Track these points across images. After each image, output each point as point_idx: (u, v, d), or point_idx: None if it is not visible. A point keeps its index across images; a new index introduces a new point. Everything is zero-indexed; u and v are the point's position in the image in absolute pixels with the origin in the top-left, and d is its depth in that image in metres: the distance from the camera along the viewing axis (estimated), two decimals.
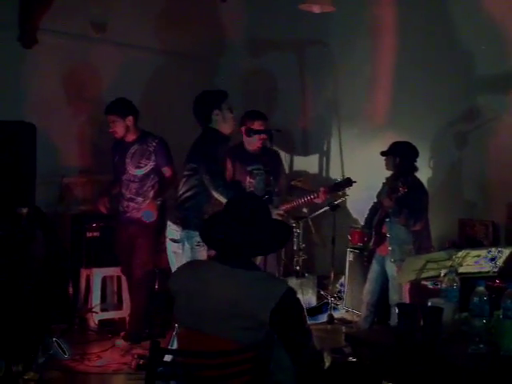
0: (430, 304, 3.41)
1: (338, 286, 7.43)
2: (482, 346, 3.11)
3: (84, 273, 6.61)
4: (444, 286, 3.63)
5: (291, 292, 3.11)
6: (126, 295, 6.66)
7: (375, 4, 7.72)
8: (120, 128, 6.26)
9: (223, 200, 5.20)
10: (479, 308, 3.23)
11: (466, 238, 6.68)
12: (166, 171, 6.32)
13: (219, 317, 3.06)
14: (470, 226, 6.81)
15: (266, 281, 3.17)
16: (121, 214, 6.36)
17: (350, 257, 7.27)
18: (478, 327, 3.19)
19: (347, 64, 7.95)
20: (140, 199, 6.28)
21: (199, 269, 3.38)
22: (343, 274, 7.38)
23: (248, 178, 6.25)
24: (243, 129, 6.25)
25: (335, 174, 8.06)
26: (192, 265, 3.77)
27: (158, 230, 6.14)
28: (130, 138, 6.33)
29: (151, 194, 6.28)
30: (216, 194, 5.20)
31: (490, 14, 6.69)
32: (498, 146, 6.78)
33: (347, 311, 7.26)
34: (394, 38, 7.59)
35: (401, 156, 5.83)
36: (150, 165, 6.28)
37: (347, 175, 7.71)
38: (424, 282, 5.79)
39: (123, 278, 6.66)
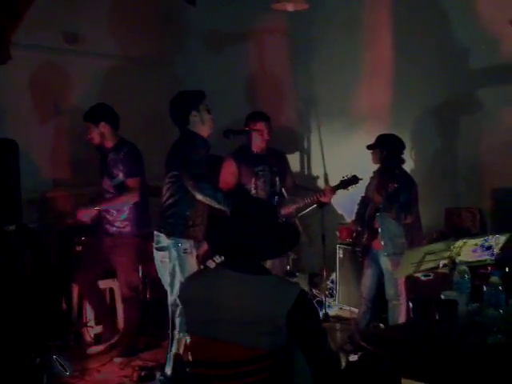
0: (442, 297, 3.39)
1: (329, 283, 7.40)
2: (499, 336, 3.11)
3: (76, 287, 6.50)
4: (455, 277, 3.62)
5: (304, 294, 3.11)
6: (119, 305, 6.59)
7: None
8: (94, 135, 6.13)
9: (214, 204, 5.18)
10: (494, 298, 3.22)
11: (454, 227, 6.69)
12: (128, 182, 6.08)
13: (236, 324, 3.03)
14: (457, 214, 6.82)
15: (279, 285, 3.15)
16: (98, 227, 6.26)
17: (339, 253, 7.25)
18: (495, 317, 3.18)
19: (324, 59, 7.91)
20: (114, 212, 6.14)
21: (210, 277, 3.36)
22: (333, 270, 7.37)
23: (254, 180, 6.15)
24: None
25: (317, 171, 8.08)
26: (202, 274, 3.76)
27: (138, 242, 6.12)
28: (108, 145, 6.19)
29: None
30: (203, 198, 5.15)
31: None
32: (480, 132, 6.82)
33: (341, 308, 7.25)
34: (371, 30, 7.58)
35: (388, 149, 5.80)
36: (121, 175, 6.10)
37: (329, 171, 7.82)
38: (416, 275, 5.81)
39: (116, 291, 6.58)
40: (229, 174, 6.21)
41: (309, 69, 8.10)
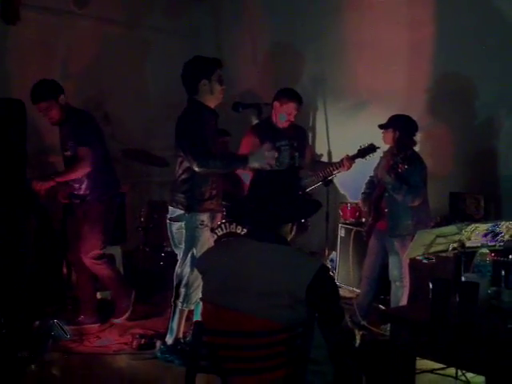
0: (464, 279, 3.38)
1: (328, 262, 7.39)
2: None
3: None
4: (476, 260, 3.61)
5: (325, 268, 3.10)
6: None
7: None
8: (56, 112, 5.78)
9: (219, 170, 5.19)
10: None
11: (457, 212, 6.68)
12: (78, 151, 5.82)
13: (255, 295, 2.99)
14: (462, 199, 6.81)
15: (300, 257, 3.13)
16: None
17: (341, 232, 7.24)
18: None
19: (333, 37, 7.87)
20: (72, 183, 5.98)
21: (230, 246, 3.35)
22: (333, 249, 7.36)
23: (275, 154, 6.09)
24: (274, 104, 6.12)
25: (321, 149, 8.05)
26: (223, 243, 3.75)
27: (101, 208, 5.98)
28: (62, 117, 5.90)
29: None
30: (203, 170, 5.10)
31: None
32: (487, 118, 6.83)
33: (340, 287, 7.23)
34: (378, 11, 7.54)
35: (401, 130, 5.77)
36: (72, 148, 5.87)
37: (333, 149, 7.78)
38: (417, 257, 5.82)
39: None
40: (250, 146, 6.04)
41: (317, 47, 8.05)
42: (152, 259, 7.17)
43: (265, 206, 3.14)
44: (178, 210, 5.23)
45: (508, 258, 4.51)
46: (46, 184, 5.65)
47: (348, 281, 7.12)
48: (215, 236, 6.26)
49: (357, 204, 6.94)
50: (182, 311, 5.26)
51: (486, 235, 4.76)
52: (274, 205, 3.13)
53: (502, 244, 4.84)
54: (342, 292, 7.10)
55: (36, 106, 5.68)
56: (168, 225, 5.38)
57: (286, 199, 3.16)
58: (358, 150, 6.13)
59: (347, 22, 7.76)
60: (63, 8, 7.21)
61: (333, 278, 3.25)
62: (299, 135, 6.36)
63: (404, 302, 5.74)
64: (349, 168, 6.13)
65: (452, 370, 4.84)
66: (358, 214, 7.10)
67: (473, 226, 4.64)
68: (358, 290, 6.54)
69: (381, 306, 6.28)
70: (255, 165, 5.10)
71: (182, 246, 5.26)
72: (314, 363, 3.05)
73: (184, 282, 5.21)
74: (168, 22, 8.17)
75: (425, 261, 6.15)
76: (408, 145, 5.75)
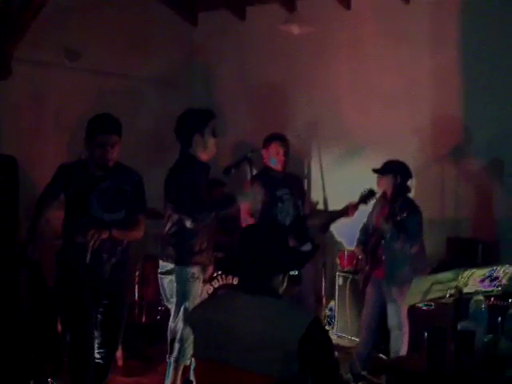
0: (459, 327, 3.31)
1: (327, 311, 7.32)
2: None
3: None
4: (471, 307, 3.54)
5: (318, 321, 3.04)
6: None
7: (349, 22, 7.72)
8: (116, 153, 4.83)
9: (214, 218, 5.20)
10: None
11: (455, 258, 6.63)
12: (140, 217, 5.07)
13: (246, 349, 2.94)
14: (459, 244, 6.77)
15: (292, 310, 3.09)
16: None
17: (339, 281, 7.17)
18: None
19: (325, 84, 7.90)
20: None
21: (221, 300, 3.30)
22: (332, 298, 7.29)
23: (279, 204, 6.08)
24: (262, 152, 6.16)
25: (317, 196, 8.01)
26: (213, 297, 3.68)
27: None
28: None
29: None
30: (197, 225, 5.08)
31: None
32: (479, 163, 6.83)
33: (339, 336, 7.15)
34: (371, 54, 7.58)
35: (401, 175, 5.75)
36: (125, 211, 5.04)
37: (328, 197, 7.76)
38: (418, 305, 5.75)
39: None
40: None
41: (310, 94, 8.06)
42: (148, 313, 7.09)
43: (255, 259, 3.09)
44: (168, 263, 5.18)
45: (507, 302, 4.44)
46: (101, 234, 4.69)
47: (347, 330, 7.04)
48: (212, 288, 6.21)
49: (353, 251, 6.88)
50: (177, 367, 5.17)
51: (483, 280, 4.70)
52: (263, 256, 3.08)
53: (499, 289, 4.79)
54: (340, 341, 7.05)
55: (103, 136, 4.73)
56: (159, 279, 5.32)
57: (275, 252, 3.12)
58: (360, 197, 6.06)
59: (339, 66, 7.78)
60: (55, 61, 7.22)
61: (326, 331, 3.18)
62: (297, 184, 6.40)
63: (404, 350, 5.66)
64: (353, 215, 6.10)
65: None
66: (355, 261, 7.03)
67: (469, 271, 4.58)
68: (357, 339, 6.44)
69: (381, 355, 6.18)
70: (244, 201, 5.26)
71: (174, 299, 5.19)
72: None
73: (178, 336, 5.13)
74: (159, 71, 8.19)
75: (424, 307, 6.07)
76: (404, 191, 5.73)
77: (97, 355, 4.98)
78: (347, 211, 6.07)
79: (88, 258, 4.56)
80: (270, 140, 6.16)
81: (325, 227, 6.30)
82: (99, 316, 4.94)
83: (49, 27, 6.96)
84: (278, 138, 6.18)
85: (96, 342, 4.96)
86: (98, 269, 4.80)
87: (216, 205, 5.24)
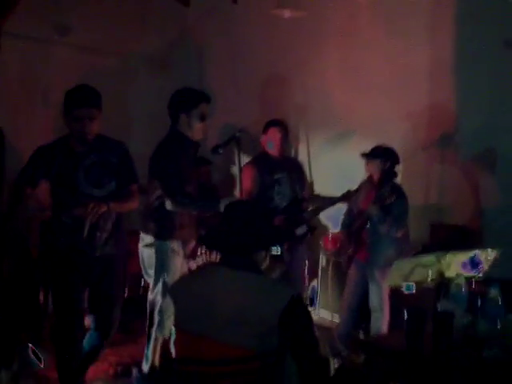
0: (439, 309, 3.36)
1: (309, 291, 7.38)
2: (496, 350, 3.08)
3: None
4: (452, 289, 3.59)
5: (299, 297, 3.08)
6: None
7: (341, 8, 7.71)
8: (96, 126, 4.64)
9: (190, 211, 5.23)
10: (493, 311, 3.20)
11: (438, 243, 6.68)
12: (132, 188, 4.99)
13: (227, 322, 2.98)
14: (442, 230, 6.82)
15: (273, 285, 3.13)
16: None
17: (323, 262, 7.23)
18: (491, 331, 3.15)
19: (316, 67, 7.91)
20: None
21: (204, 274, 3.33)
22: (314, 279, 7.34)
23: (276, 186, 6.19)
24: (262, 138, 6.30)
25: None
26: (196, 271, 3.73)
27: None
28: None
29: None
30: (175, 209, 5.12)
31: None
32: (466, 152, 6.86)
33: (321, 316, 7.21)
34: (362, 39, 7.59)
35: (391, 160, 5.80)
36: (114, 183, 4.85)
37: (315, 181, 7.79)
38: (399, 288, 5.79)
39: None
40: (250, 180, 6.17)
41: (300, 78, 8.07)
42: (131, 287, 7.11)
43: (237, 233, 3.13)
44: (149, 236, 5.21)
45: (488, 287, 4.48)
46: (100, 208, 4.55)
47: (329, 310, 7.09)
48: (195, 265, 6.24)
49: (338, 234, 6.92)
50: (156, 339, 5.21)
51: (465, 265, 4.76)
52: (245, 233, 3.12)
53: (481, 274, 4.85)
54: (322, 321, 7.10)
55: (80, 110, 4.54)
56: (140, 252, 5.37)
57: (257, 227, 3.15)
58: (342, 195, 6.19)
59: (330, 51, 7.79)
60: (45, 36, 7.19)
61: (306, 307, 3.21)
62: (297, 168, 6.53)
63: (384, 330, 5.73)
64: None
65: None
66: (339, 244, 7.07)
67: (451, 255, 4.64)
68: (338, 320, 6.50)
69: (361, 334, 6.24)
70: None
71: (153, 272, 5.23)
72: None
73: (157, 309, 5.19)
74: (151, 49, 8.17)
75: (405, 291, 6.12)
76: (392, 176, 5.79)
77: (88, 338, 4.92)
78: (346, 197, 6.15)
79: (85, 232, 4.53)
80: (268, 125, 6.30)
81: (319, 211, 6.37)
82: (91, 297, 4.88)
83: (39, 2, 6.94)
84: (277, 123, 6.31)
85: (90, 323, 4.93)
86: (87, 246, 4.67)
87: (199, 202, 5.26)
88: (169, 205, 5.08)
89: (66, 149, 4.69)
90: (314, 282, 7.36)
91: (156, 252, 5.20)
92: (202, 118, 5.23)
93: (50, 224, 4.84)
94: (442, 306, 3.45)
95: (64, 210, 4.66)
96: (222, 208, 5.01)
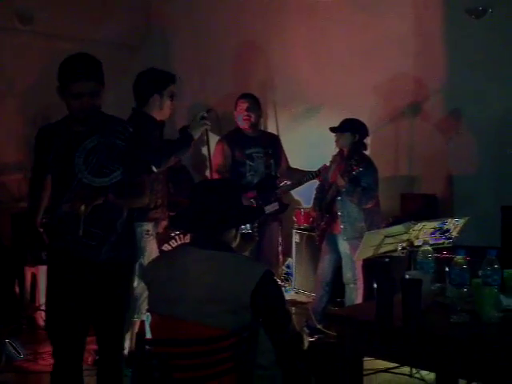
0: (407, 276, 3.41)
1: (284, 267, 7.43)
2: (464, 314, 3.14)
3: (29, 271, 6.40)
4: (419, 257, 3.65)
5: (270, 273, 3.09)
6: None
7: None
8: (99, 103, 3.92)
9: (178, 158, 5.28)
10: (459, 277, 3.25)
11: (409, 213, 6.74)
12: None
13: (199, 302, 3.00)
14: (412, 200, 6.89)
15: (244, 263, 3.15)
16: None
17: (296, 238, 7.28)
18: (458, 297, 3.21)
19: (281, 44, 7.93)
20: None
21: (174, 256, 3.34)
22: (289, 255, 7.39)
23: (248, 162, 6.17)
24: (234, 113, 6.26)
25: None
26: (167, 253, 3.76)
27: None
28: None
29: None
30: (161, 169, 5.09)
31: None
32: (434, 119, 6.93)
33: (297, 292, 7.28)
34: (327, 13, 7.61)
35: (359, 133, 5.84)
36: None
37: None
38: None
39: None
40: (221, 155, 6.18)
41: (266, 55, 8.09)
42: None
43: (206, 212, 3.14)
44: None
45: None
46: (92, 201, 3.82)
47: (304, 286, 7.17)
48: (169, 248, 6.26)
49: (310, 209, 6.97)
50: (133, 323, 5.23)
51: (433, 233, 4.84)
52: (214, 211, 3.14)
53: (450, 241, 4.93)
54: (298, 297, 7.18)
55: (79, 85, 3.79)
56: None
57: (226, 206, 3.17)
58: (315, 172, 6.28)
59: (296, 28, 7.81)
60: (7, 25, 7.14)
61: (277, 283, 3.24)
62: (273, 143, 6.47)
63: (359, 302, 5.79)
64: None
65: (406, 368, 4.90)
66: (311, 219, 7.13)
67: (420, 224, 4.72)
68: (314, 295, 6.56)
69: (336, 308, 6.31)
70: (196, 131, 5.13)
71: None
72: (261, 368, 3.06)
73: (133, 294, 5.19)
74: (115, 34, 8.13)
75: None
76: (360, 148, 5.84)
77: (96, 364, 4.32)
78: (321, 173, 6.20)
79: (81, 231, 3.69)
80: (237, 100, 6.30)
81: (293, 186, 6.42)
82: (96, 315, 4.01)
83: None
84: (243, 96, 6.31)
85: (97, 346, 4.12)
86: (88, 251, 3.87)
87: (174, 147, 5.20)
88: (153, 168, 5.06)
89: (64, 130, 3.94)
90: (289, 259, 7.41)
91: None
92: (172, 97, 5.25)
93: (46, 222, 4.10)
94: (409, 273, 3.50)
95: (60, 204, 3.88)
96: (192, 131, 5.11)
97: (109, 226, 3.90)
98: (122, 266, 4.03)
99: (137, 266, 5.10)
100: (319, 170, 6.20)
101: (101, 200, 3.72)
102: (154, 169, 5.05)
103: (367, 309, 3.43)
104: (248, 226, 5.19)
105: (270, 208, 6.03)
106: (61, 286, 3.91)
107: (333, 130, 5.94)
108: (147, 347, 3.08)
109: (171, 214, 5.46)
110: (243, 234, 3.51)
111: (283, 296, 3.23)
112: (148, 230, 5.18)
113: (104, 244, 3.88)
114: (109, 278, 3.94)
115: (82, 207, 3.64)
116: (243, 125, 6.23)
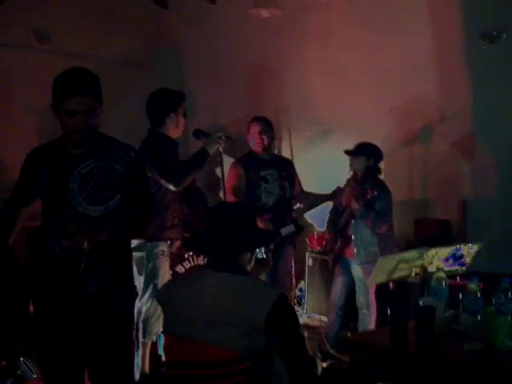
0: (420, 303, 3.41)
1: (297, 291, 7.41)
2: (477, 342, 3.13)
3: None
4: (433, 284, 3.64)
5: (284, 297, 3.10)
6: None
7: (322, 7, 7.75)
8: (97, 122, 3.59)
9: (196, 174, 5.44)
10: (473, 305, 3.25)
11: (422, 238, 6.72)
12: None
13: (215, 324, 3.01)
14: (426, 225, 6.86)
15: (259, 287, 3.16)
16: None
17: (309, 261, 7.26)
18: (472, 324, 3.20)
19: (296, 67, 7.95)
20: None
21: (190, 278, 3.35)
22: (302, 279, 7.37)
23: (262, 184, 6.19)
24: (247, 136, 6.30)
25: None
26: (182, 275, 3.75)
27: None
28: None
29: None
30: (181, 187, 5.18)
31: None
32: (448, 142, 6.92)
33: (309, 316, 7.25)
34: (341, 38, 7.63)
35: (374, 157, 5.85)
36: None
37: (300, 178, 7.83)
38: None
39: None
40: (235, 178, 6.20)
41: (280, 77, 8.11)
42: None
43: (221, 235, 3.15)
44: (140, 239, 5.23)
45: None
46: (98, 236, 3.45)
47: (316, 310, 7.13)
48: (183, 269, 6.26)
49: (323, 233, 6.97)
50: (144, 344, 5.23)
51: (447, 259, 4.81)
52: (230, 234, 3.14)
53: (464, 268, 4.90)
54: (310, 321, 7.14)
55: (73, 100, 3.44)
56: None
57: (242, 229, 3.18)
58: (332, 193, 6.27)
59: (310, 50, 7.84)
60: (25, 43, 7.19)
61: (292, 307, 3.24)
62: (286, 166, 6.50)
63: (372, 328, 5.76)
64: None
65: None
66: (324, 242, 7.12)
67: (434, 250, 4.69)
68: (326, 319, 6.53)
69: (349, 333, 6.28)
70: (211, 148, 5.24)
71: (142, 277, 5.24)
72: None
73: (144, 313, 5.20)
74: (130, 54, 8.19)
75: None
76: (375, 172, 5.84)
77: None
78: (336, 195, 6.20)
79: (82, 267, 3.41)
80: (250, 123, 6.33)
81: (307, 209, 6.42)
82: (89, 361, 3.64)
83: (18, 10, 6.94)
84: (256, 119, 6.34)
85: None
86: (74, 288, 3.53)
87: (191, 165, 5.30)
88: (174, 187, 5.13)
89: (59, 152, 3.62)
90: (302, 282, 7.39)
91: (148, 254, 5.19)
92: (185, 115, 5.40)
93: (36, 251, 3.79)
94: (423, 300, 3.49)
95: (51, 234, 3.57)
96: (208, 148, 5.23)
97: (96, 257, 3.48)
98: (114, 302, 3.60)
99: (151, 287, 5.14)
100: (333, 193, 6.20)
101: (106, 235, 3.39)
102: (173, 188, 5.10)
103: (381, 335, 3.43)
104: (263, 249, 5.21)
105: (286, 230, 6.02)
106: (50, 325, 3.59)
107: (347, 153, 5.96)
108: (161, 369, 3.08)
109: (185, 234, 5.48)
110: (258, 258, 3.51)
111: (297, 320, 3.24)
112: (163, 251, 5.21)
113: (92, 276, 3.52)
114: (98, 315, 3.53)
115: (85, 244, 3.28)
116: (256, 147, 6.25)
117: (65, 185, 3.54)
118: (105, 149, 3.63)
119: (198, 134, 5.55)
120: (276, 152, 8.05)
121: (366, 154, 5.86)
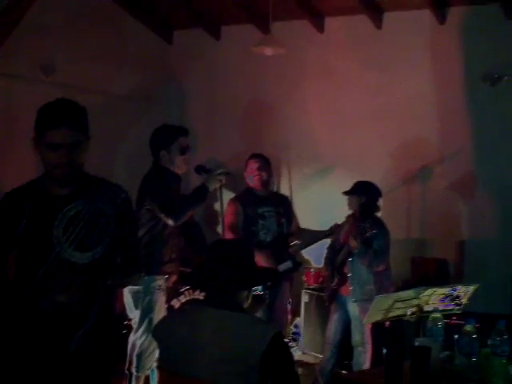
0: (416, 343, 3.42)
1: (292, 327, 7.40)
2: None
3: None
4: (428, 324, 3.65)
5: (280, 336, 3.10)
6: None
7: (322, 45, 7.85)
8: (81, 158, 3.27)
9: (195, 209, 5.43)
10: (469, 347, 3.26)
11: (419, 277, 6.74)
12: None
13: (210, 361, 3.00)
14: (423, 264, 6.88)
15: (256, 324, 3.15)
16: None
17: (305, 298, 7.26)
18: (467, 366, 3.21)
19: (296, 104, 8.02)
20: None
21: (187, 314, 3.35)
22: (298, 315, 7.36)
23: (260, 221, 6.19)
24: (244, 173, 6.33)
25: None
26: (179, 311, 3.75)
27: None
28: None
29: None
30: (180, 222, 5.20)
31: None
32: (447, 183, 6.96)
33: (304, 353, 7.23)
34: (341, 77, 7.71)
35: (366, 196, 5.88)
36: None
37: (299, 215, 7.86)
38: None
39: None
40: (233, 215, 6.19)
41: (281, 114, 8.16)
42: None
43: (220, 272, 3.17)
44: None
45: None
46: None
47: (311, 346, 7.11)
48: (179, 303, 6.26)
49: (320, 269, 6.98)
50: (138, 378, 5.22)
51: (443, 299, 4.82)
52: (228, 272, 3.16)
53: (460, 307, 4.91)
54: (305, 358, 7.12)
55: (55, 133, 3.18)
56: (125, 289, 5.32)
57: (240, 267, 3.19)
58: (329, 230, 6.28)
59: (310, 88, 7.91)
60: (30, 75, 7.23)
61: (287, 346, 3.24)
62: (283, 203, 6.51)
63: (366, 367, 5.74)
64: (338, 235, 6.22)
65: None
66: (321, 279, 7.13)
67: (430, 290, 4.70)
68: (321, 356, 6.52)
69: (344, 371, 6.26)
70: (212, 185, 5.35)
71: (138, 311, 5.24)
72: None
73: (138, 347, 5.19)
74: (136, 89, 8.25)
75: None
76: (372, 210, 5.86)
77: None
78: (333, 232, 6.21)
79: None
80: (248, 160, 6.37)
81: (305, 245, 6.44)
82: None
83: (24, 42, 6.98)
84: (254, 156, 6.38)
85: None
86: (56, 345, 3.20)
87: (190, 200, 5.33)
88: (172, 223, 5.15)
89: (40, 192, 3.30)
90: (298, 318, 7.38)
91: (145, 289, 5.18)
92: (182, 152, 5.41)
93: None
94: (419, 340, 3.50)
95: (29, 286, 3.18)
96: (208, 184, 5.30)
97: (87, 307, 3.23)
98: (97, 360, 3.32)
99: (146, 321, 5.14)
100: (331, 230, 6.21)
101: (99, 286, 3.21)
102: (172, 223, 5.13)
103: (376, 374, 3.43)
104: (260, 286, 5.23)
105: (284, 266, 6.04)
106: None
107: (345, 193, 5.99)
108: None
109: (182, 268, 5.49)
110: (254, 295, 3.53)
111: (293, 359, 3.23)
112: (160, 285, 5.21)
113: (76, 331, 3.23)
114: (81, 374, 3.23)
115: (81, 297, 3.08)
116: (254, 183, 6.27)
117: (47, 229, 3.20)
118: (92, 189, 3.34)
119: (199, 169, 5.63)
120: (275, 188, 8.09)
121: (361, 192, 5.90)
